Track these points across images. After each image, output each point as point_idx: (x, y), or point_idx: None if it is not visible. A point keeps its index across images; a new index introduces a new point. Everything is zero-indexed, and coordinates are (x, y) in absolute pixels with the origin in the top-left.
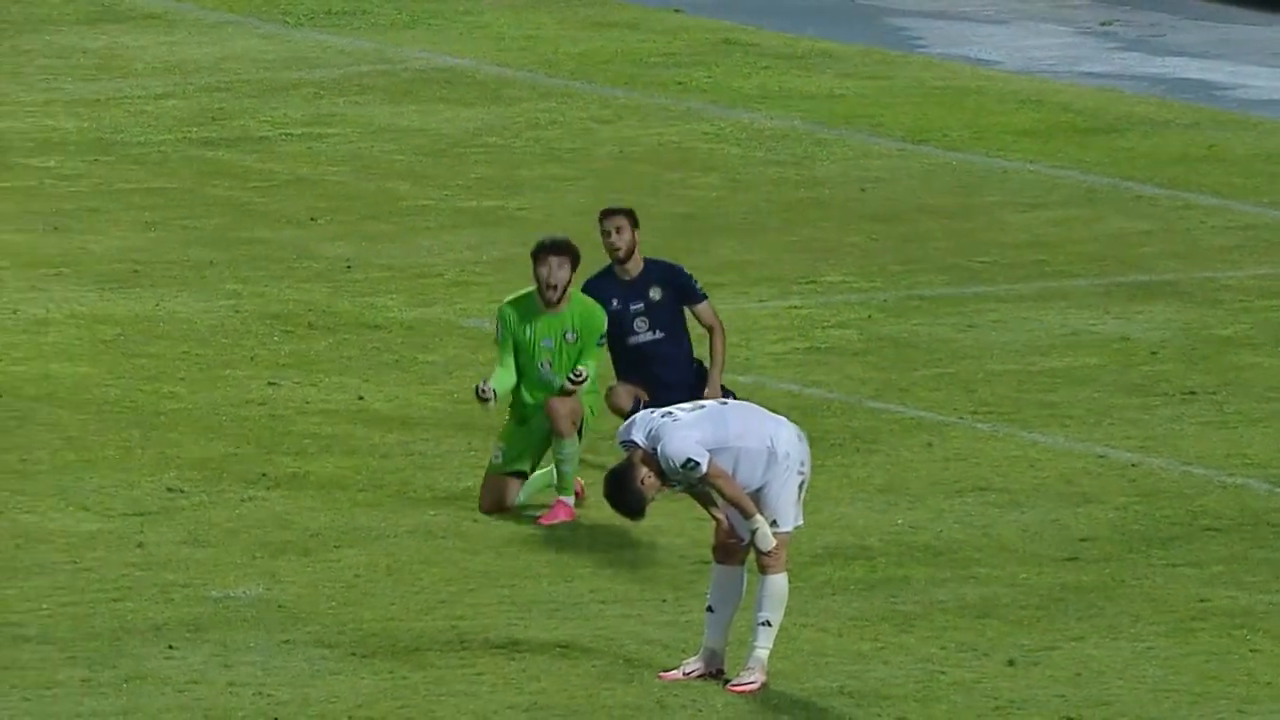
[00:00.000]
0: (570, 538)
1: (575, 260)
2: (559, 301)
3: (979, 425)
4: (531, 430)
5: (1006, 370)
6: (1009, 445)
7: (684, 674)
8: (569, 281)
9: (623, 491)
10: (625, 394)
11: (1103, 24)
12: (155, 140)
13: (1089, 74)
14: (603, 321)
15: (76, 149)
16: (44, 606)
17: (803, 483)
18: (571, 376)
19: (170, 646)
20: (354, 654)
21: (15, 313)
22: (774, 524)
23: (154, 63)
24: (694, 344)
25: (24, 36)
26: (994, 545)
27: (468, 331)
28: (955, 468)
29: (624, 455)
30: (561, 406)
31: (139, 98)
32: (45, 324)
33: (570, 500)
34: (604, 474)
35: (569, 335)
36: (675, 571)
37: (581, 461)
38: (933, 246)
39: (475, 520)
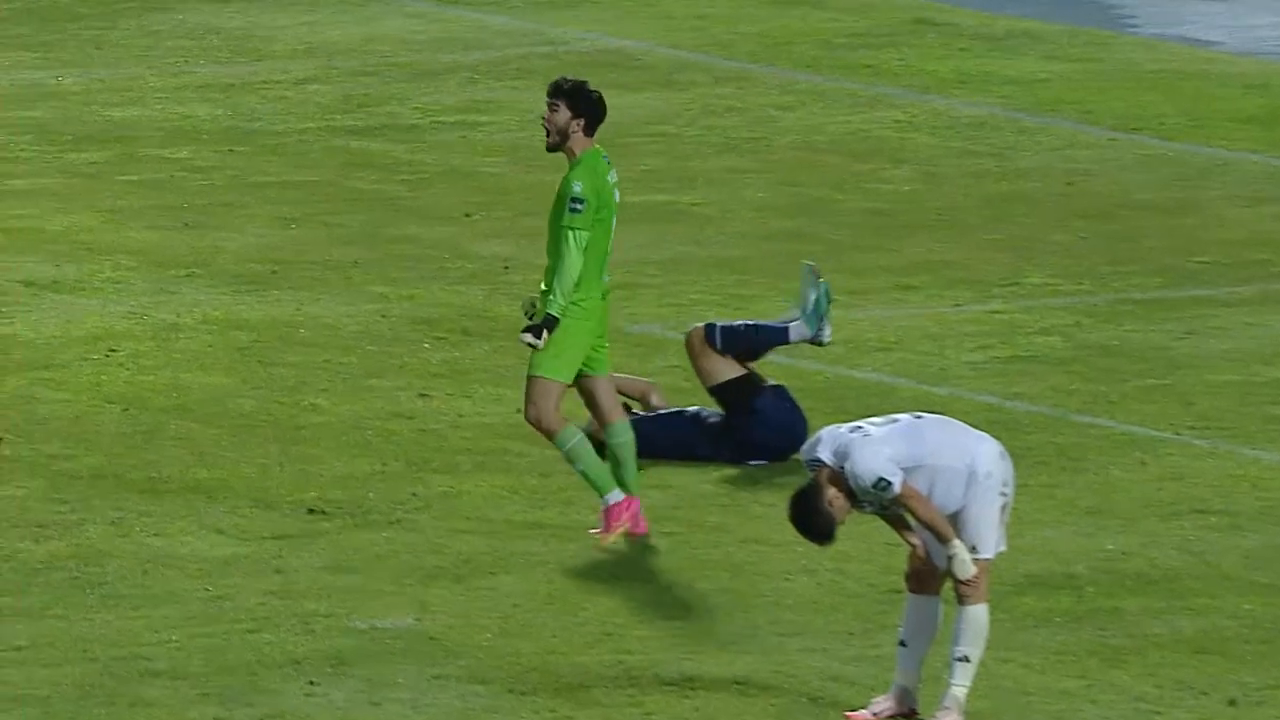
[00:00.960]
0: (748, 564)
1: (575, 105)
2: (558, 150)
3: (1197, 441)
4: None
5: (1227, 381)
6: (1230, 463)
7: (873, 714)
8: (564, 130)
9: (809, 514)
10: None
11: None
12: (295, 129)
13: None
14: (571, 187)
15: (210, 139)
16: (174, 638)
17: (1005, 505)
18: (524, 339)
19: (311, 682)
20: (511, 690)
21: (143, 317)
22: (973, 550)
23: (294, 44)
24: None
25: (152, 15)
26: (1213, 573)
27: (635, 338)
28: (1170, 488)
29: (809, 475)
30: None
31: (278, 82)
32: (175, 329)
33: (614, 498)
34: (789, 496)
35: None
36: (863, 602)
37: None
38: (1146, 245)
39: (646, 546)
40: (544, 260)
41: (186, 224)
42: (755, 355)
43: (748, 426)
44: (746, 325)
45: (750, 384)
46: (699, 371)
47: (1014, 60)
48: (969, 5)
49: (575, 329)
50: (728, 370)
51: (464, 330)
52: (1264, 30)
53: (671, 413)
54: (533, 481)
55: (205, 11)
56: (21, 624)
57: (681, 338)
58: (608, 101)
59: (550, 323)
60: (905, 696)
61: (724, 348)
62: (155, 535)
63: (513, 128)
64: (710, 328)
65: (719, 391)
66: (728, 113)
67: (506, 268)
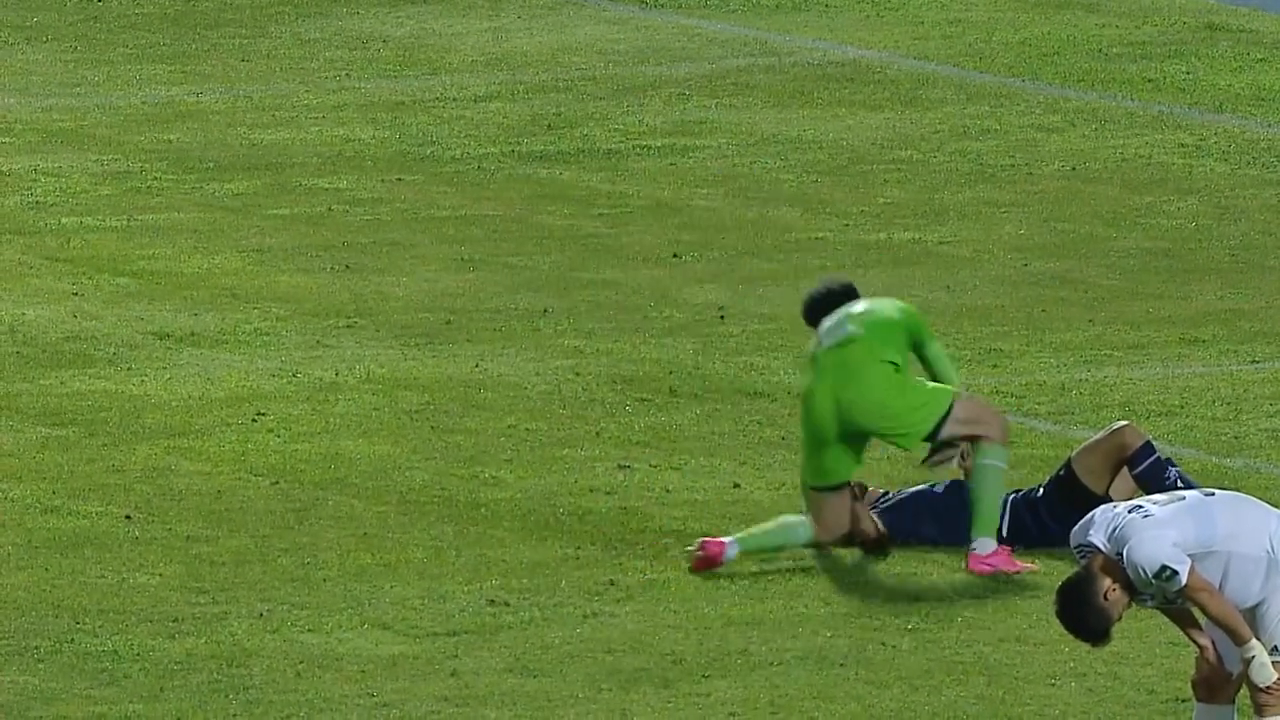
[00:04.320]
0: (1007, 666)
1: None
2: None
3: None
4: None
5: None
6: None
7: None
8: None
9: (1080, 609)
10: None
11: None
12: (475, 154)
13: None
14: None
15: (374, 166)
16: None
17: None
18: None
19: None
20: None
21: (296, 375)
22: (1274, 651)
23: (474, 54)
24: None
25: (308, 21)
26: None
27: None
28: None
29: (1080, 563)
30: None
31: (454, 100)
32: (334, 389)
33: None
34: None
35: None
36: (1144, 711)
37: None
38: None
39: (884, 644)
40: (766, 307)
41: (347, 266)
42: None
43: (1059, 520)
44: (1180, 476)
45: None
46: (1089, 469)
47: None
48: (1271, 8)
49: None
50: (1120, 490)
51: (671, 390)
52: None
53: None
54: (752, 569)
55: (370, 17)
56: None
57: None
58: (843, 122)
59: None
60: None
61: (1140, 480)
62: (309, 631)
63: (729, 153)
64: (1149, 450)
65: (1084, 494)
66: (983, 135)
67: (722, 317)
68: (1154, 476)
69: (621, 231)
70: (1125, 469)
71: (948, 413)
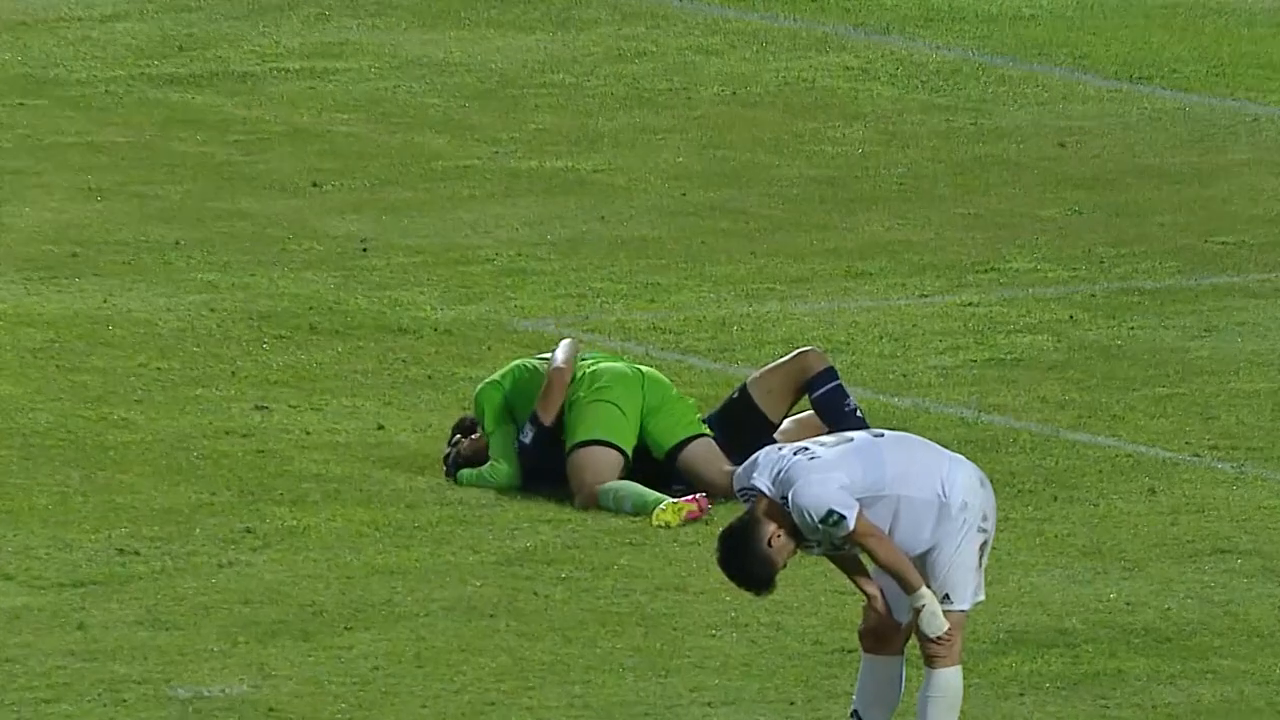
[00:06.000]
0: (666, 615)
1: None
2: None
3: (1219, 465)
4: None
5: (1257, 390)
6: (1260, 492)
7: None
8: None
9: (743, 556)
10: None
11: None
12: (102, 77)
13: None
14: None
15: None
16: None
17: (984, 544)
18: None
19: None
20: None
21: None
22: (945, 600)
23: None
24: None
25: None
26: (1240, 628)
27: (523, 337)
28: (1187, 522)
29: (744, 507)
30: None
31: (80, 20)
32: None
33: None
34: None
35: None
36: (807, 663)
37: None
38: (1156, 222)
39: (536, 594)
40: (410, 240)
41: None
42: (823, 421)
43: (729, 443)
44: (856, 410)
45: (769, 435)
46: (768, 389)
47: None
48: None
49: None
50: (796, 430)
51: (311, 327)
52: None
53: None
54: (398, 515)
55: None
56: None
57: (584, 335)
58: (492, 44)
59: None
60: None
61: (818, 405)
62: None
63: (372, 76)
64: (831, 375)
65: (757, 418)
66: (638, 58)
67: (364, 249)
68: (832, 402)
69: (258, 159)
70: (805, 395)
71: None
